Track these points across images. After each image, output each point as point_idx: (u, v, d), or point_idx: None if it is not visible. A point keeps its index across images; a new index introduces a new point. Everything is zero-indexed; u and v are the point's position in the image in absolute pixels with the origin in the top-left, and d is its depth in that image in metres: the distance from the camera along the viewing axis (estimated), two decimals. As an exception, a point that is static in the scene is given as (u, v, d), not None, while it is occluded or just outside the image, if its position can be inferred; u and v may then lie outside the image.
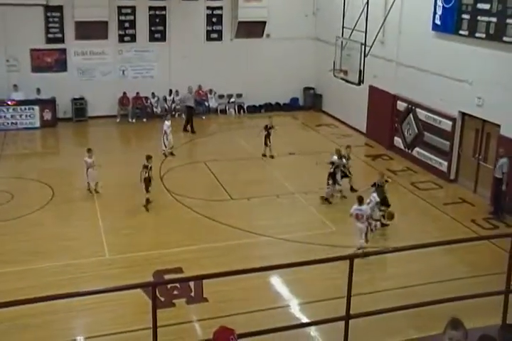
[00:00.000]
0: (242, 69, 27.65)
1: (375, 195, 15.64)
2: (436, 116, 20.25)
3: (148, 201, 17.26)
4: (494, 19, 17.03)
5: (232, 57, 27.36)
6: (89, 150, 18.55)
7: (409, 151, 21.78)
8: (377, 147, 23.35)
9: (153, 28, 26.68)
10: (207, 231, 15.96)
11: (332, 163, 18.03)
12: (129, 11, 26.23)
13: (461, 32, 18.42)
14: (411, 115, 21.62)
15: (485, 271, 13.51)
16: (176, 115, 26.97)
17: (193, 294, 12.58)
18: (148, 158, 17.58)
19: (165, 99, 27.10)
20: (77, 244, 14.99)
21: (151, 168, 17.56)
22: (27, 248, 14.63)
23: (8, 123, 24.80)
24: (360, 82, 20.12)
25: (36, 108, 25.15)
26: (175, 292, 12.56)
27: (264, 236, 15.68)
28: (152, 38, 26.78)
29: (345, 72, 21.02)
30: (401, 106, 22.21)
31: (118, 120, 26.45)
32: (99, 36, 25.75)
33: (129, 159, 21.41)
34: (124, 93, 26.41)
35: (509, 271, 7.78)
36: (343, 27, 21.46)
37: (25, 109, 25.02)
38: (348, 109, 25.93)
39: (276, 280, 13.35)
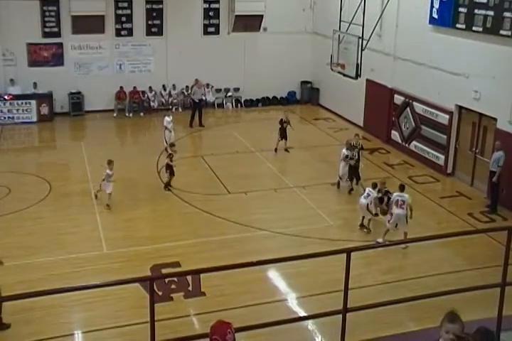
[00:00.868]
0: (239, 63, 27.62)
1: (371, 189, 15.61)
2: (433, 110, 20.25)
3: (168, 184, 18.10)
4: (491, 13, 17.01)
5: (229, 51, 27.31)
6: (110, 163, 17.13)
7: (407, 145, 21.79)
8: (375, 141, 23.35)
9: (150, 22, 26.59)
10: (204, 225, 15.97)
11: (347, 157, 18.05)
12: (125, 4, 26.14)
13: (458, 25, 18.41)
14: (408, 109, 21.62)
15: (482, 264, 13.55)
16: (173, 109, 26.97)
17: (190, 288, 12.61)
18: (172, 145, 18.73)
19: (161, 94, 27.06)
20: (74, 238, 15.00)
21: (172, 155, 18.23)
22: (24, 242, 14.63)
23: (4, 118, 24.76)
24: (358, 75, 20.12)
25: (33, 102, 25.10)
26: (172, 286, 12.59)
27: (261, 230, 15.70)
28: (149, 32, 26.70)
29: (343, 66, 21.01)
30: (398, 99, 22.20)
31: (115, 114, 26.41)
32: (95, 30, 25.67)
33: (126, 153, 21.44)
34: (121, 87, 26.35)
35: (505, 263, 7.80)
36: (340, 21, 21.44)
37: (22, 103, 24.97)
38: (346, 102, 25.92)
39: (273, 274, 13.38)
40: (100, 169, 18.34)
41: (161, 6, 26.57)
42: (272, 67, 27.59)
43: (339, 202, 17.71)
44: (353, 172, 18.01)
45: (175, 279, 12.83)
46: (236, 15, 26.83)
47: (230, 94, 28.21)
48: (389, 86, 22.66)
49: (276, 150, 21.46)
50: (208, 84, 27.07)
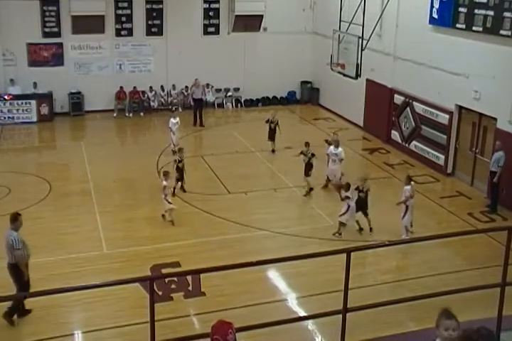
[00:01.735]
0: (239, 63, 27.63)
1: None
2: (433, 110, 20.25)
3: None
4: (491, 12, 17.01)
5: (229, 51, 27.31)
6: (166, 174, 16.42)
7: (407, 145, 21.79)
8: (375, 141, 23.36)
9: (150, 22, 26.60)
10: (204, 225, 15.97)
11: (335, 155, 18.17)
12: (125, 4, 26.14)
13: (458, 25, 18.40)
14: (408, 108, 21.62)
15: (482, 264, 13.54)
16: (173, 109, 26.99)
17: (190, 288, 12.61)
18: (180, 150, 18.44)
19: (160, 95, 27.07)
20: (74, 238, 15.00)
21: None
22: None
23: (4, 118, 24.77)
24: (358, 75, 20.12)
25: (33, 102, 25.11)
26: (172, 286, 12.59)
27: (261, 230, 15.70)
28: (149, 32, 26.70)
29: (343, 66, 21.01)
30: (398, 99, 22.20)
31: (115, 114, 26.41)
32: (95, 30, 25.67)
33: (126, 153, 21.44)
34: (121, 87, 26.36)
35: (505, 263, 7.81)
36: (340, 21, 21.44)
37: (22, 103, 24.98)
38: (345, 102, 25.93)
39: (273, 274, 13.38)
40: (100, 167, 18.37)
41: (161, 6, 26.58)
42: (272, 67, 27.59)
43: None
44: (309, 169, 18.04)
45: (175, 279, 12.84)
46: (236, 15, 26.83)
47: (230, 94, 28.22)
48: (389, 86, 22.66)
49: (273, 151, 21.45)
50: (208, 84, 27.07)
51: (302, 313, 11.84)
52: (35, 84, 25.26)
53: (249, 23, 27.18)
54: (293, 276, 13.16)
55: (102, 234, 15.29)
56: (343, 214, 15.19)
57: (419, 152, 21.03)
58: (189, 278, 12.71)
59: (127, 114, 26.46)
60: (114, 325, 11.43)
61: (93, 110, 26.30)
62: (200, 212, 16.67)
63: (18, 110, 25.00)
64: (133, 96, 26.59)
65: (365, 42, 19.63)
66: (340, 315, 7.36)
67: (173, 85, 27.01)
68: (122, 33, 26.36)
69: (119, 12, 26.10)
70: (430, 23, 19.69)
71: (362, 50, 19.65)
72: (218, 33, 27.52)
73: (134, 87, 26.54)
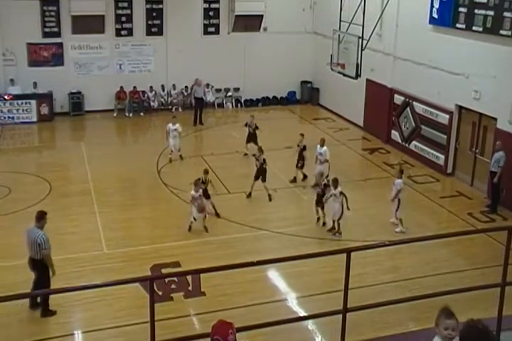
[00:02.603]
0: (239, 63, 27.62)
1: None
2: (433, 110, 20.25)
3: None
4: (491, 12, 17.00)
5: (229, 51, 27.30)
6: (197, 184, 15.74)
7: (407, 145, 21.79)
8: (375, 141, 23.37)
9: (150, 22, 26.59)
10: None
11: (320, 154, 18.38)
12: (125, 4, 26.14)
13: (458, 25, 18.40)
14: (408, 108, 21.62)
15: (482, 264, 13.55)
16: (173, 109, 27.05)
17: (190, 288, 12.61)
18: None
19: (160, 94, 27.08)
20: (74, 238, 14.99)
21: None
22: (24, 242, 14.60)
23: (4, 118, 24.77)
24: (358, 75, 20.12)
25: (33, 102, 25.11)
26: (172, 286, 12.59)
27: (261, 229, 15.70)
28: (149, 32, 26.70)
29: (343, 66, 21.00)
30: (398, 99, 22.20)
31: (115, 114, 26.40)
32: (95, 30, 25.69)
33: (126, 153, 21.44)
34: (121, 87, 26.36)
35: (506, 263, 7.80)
36: (340, 20, 21.43)
37: (22, 103, 24.98)
38: (345, 102, 25.92)
39: (274, 274, 13.37)
40: (100, 167, 18.33)
41: (161, 6, 26.57)
42: (272, 67, 27.59)
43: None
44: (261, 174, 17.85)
45: (175, 279, 12.83)
46: (236, 15, 26.83)
47: (230, 93, 28.22)
48: (389, 86, 22.66)
49: (246, 154, 21.17)
50: (208, 84, 27.06)
51: (302, 313, 11.84)
52: (35, 84, 25.26)
53: (249, 23, 27.18)
54: (293, 276, 13.16)
55: (102, 234, 15.29)
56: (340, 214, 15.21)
57: (419, 152, 21.03)
58: (189, 278, 12.71)
59: (127, 114, 26.45)
60: (114, 325, 11.43)
61: (93, 110, 26.30)
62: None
63: (18, 110, 25.00)
64: (133, 96, 26.59)
65: (365, 42, 19.62)
66: (340, 315, 7.36)
67: (173, 85, 27.01)
68: (122, 32, 26.36)
69: (119, 12, 26.10)
70: (430, 23, 19.68)
71: (362, 50, 19.64)
72: (218, 33, 27.52)
73: (134, 87, 26.54)
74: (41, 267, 11.47)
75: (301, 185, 18.54)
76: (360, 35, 19.52)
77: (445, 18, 18.85)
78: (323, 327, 11.06)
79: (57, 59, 25.86)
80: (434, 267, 13.68)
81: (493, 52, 17.33)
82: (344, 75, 21.13)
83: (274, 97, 28.82)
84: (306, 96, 29.00)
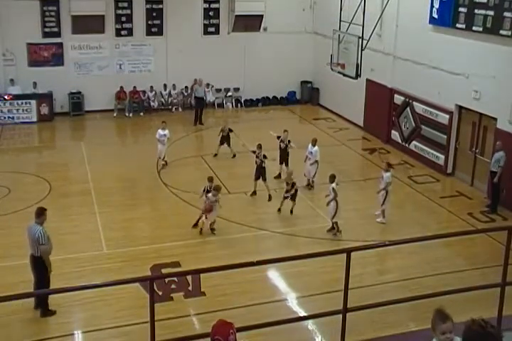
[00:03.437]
0: (239, 63, 27.62)
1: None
2: (433, 110, 20.25)
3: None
4: (491, 12, 17.00)
5: (229, 51, 27.31)
6: (217, 188, 15.49)
7: (407, 145, 21.79)
8: (375, 140, 23.36)
9: (150, 22, 26.59)
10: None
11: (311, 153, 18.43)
12: (125, 4, 26.13)
13: (458, 25, 18.40)
14: (408, 108, 21.62)
15: (482, 264, 13.55)
16: (173, 109, 27.07)
17: (190, 288, 12.61)
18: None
19: (161, 94, 27.08)
20: (74, 238, 14.97)
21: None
22: (24, 242, 14.56)
23: (4, 118, 24.77)
24: (357, 75, 20.11)
25: (33, 102, 25.11)
26: (172, 286, 12.59)
27: (261, 229, 15.70)
28: (149, 32, 26.69)
29: (343, 66, 21.00)
30: (398, 99, 22.20)
31: (115, 114, 26.41)
32: (95, 30, 25.70)
33: (126, 153, 21.44)
34: (121, 87, 26.36)
35: (505, 263, 7.81)
36: (340, 20, 21.42)
37: (22, 103, 24.98)
38: (345, 102, 25.92)
39: (273, 274, 13.37)
40: (100, 167, 18.25)
41: (161, 6, 26.57)
42: (272, 67, 27.60)
43: (339, 201, 17.66)
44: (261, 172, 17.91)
45: (175, 279, 12.83)
46: (236, 15, 26.82)
47: (230, 93, 28.22)
48: (389, 86, 22.66)
49: (215, 155, 21.13)
50: (208, 84, 27.06)
51: (302, 313, 11.84)
52: (35, 84, 25.26)
53: (249, 23, 27.18)
54: (293, 276, 13.16)
55: (102, 234, 15.28)
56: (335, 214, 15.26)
57: (419, 152, 21.03)
58: (189, 278, 12.71)
59: (127, 114, 26.45)
60: (114, 325, 11.42)
61: (93, 110, 26.29)
62: (200, 212, 16.63)
63: (18, 110, 25.00)
64: (133, 96, 26.59)
65: (365, 42, 19.61)
66: (340, 315, 7.36)
67: (174, 85, 27.01)
68: (122, 32, 26.35)
69: (119, 12, 26.10)
70: (430, 22, 19.68)
71: (362, 50, 19.63)
72: (218, 33, 27.52)
73: (134, 87, 26.54)
74: (41, 265, 11.47)
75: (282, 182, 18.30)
76: (360, 35, 19.51)
77: (445, 18, 18.85)
78: (323, 327, 11.06)
79: (57, 59, 25.86)
80: (434, 267, 13.68)
81: (493, 52, 17.33)
82: (344, 75, 21.12)
83: (274, 97, 28.82)
84: (306, 96, 29.00)
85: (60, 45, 25.77)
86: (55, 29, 25.51)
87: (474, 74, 18.06)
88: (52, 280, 11.51)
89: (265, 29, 27.69)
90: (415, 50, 20.86)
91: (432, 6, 19.40)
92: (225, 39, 27.45)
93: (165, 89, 27.01)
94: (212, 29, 27.46)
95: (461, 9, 18.19)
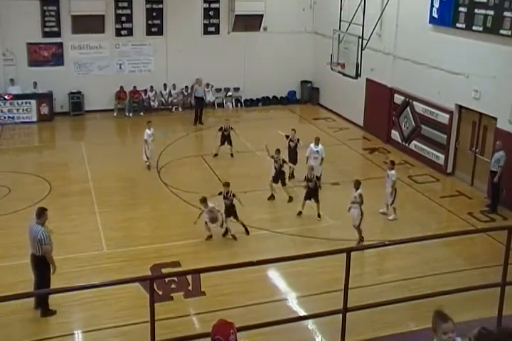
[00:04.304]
0: (239, 63, 27.62)
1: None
2: (433, 109, 20.25)
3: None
4: (491, 12, 17.00)
5: (229, 51, 27.30)
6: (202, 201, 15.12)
7: (407, 144, 21.79)
8: (375, 140, 23.36)
9: (150, 22, 26.59)
10: (204, 225, 15.94)
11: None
12: (125, 4, 26.14)
13: (458, 25, 18.39)
14: (408, 108, 21.62)
15: (482, 264, 13.54)
16: (174, 109, 27.08)
17: (190, 288, 12.61)
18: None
19: (161, 94, 27.09)
20: (74, 238, 14.97)
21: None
22: (24, 242, 14.56)
23: (5, 118, 24.77)
24: (358, 75, 20.11)
25: (33, 102, 25.11)
26: (172, 286, 12.58)
27: (261, 229, 15.69)
28: (149, 32, 26.70)
29: (343, 66, 21.00)
30: (398, 99, 22.20)
31: (115, 114, 26.41)
32: (95, 30, 25.68)
33: (126, 153, 21.44)
34: (121, 87, 26.36)
35: (505, 263, 7.81)
36: (340, 20, 21.43)
37: (22, 103, 24.98)
38: (346, 102, 25.92)
39: (273, 274, 13.37)
40: (100, 167, 18.24)
41: (161, 6, 26.57)
42: (272, 67, 27.59)
43: (339, 201, 17.67)
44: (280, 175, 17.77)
45: (175, 279, 12.83)
46: (236, 15, 26.82)
47: (230, 93, 28.22)
48: (389, 85, 22.66)
49: (216, 155, 21.09)
50: (208, 84, 27.06)
51: (302, 313, 11.84)
52: (35, 84, 25.26)
53: (249, 22, 27.17)
54: (293, 276, 13.16)
55: (101, 233, 15.28)
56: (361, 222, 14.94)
57: (419, 152, 21.03)
58: (189, 277, 12.71)
59: (127, 114, 26.45)
60: (113, 325, 11.42)
61: (93, 110, 26.30)
62: (200, 212, 16.65)
63: (18, 110, 25.00)
64: (133, 96, 26.59)
65: (365, 41, 19.61)
66: (340, 315, 7.36)
67: (174, 85, 27.02)
68: (122, 32, 26.36)
69: (119, 12, 26.10)
70: (430, 22, 19.68)
71: (362, 49, 19.63)
72: (218, 33, 27.51)
73: (134, 87, 26.54)
74: (42, 265, 11.49)
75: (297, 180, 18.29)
76: (360, 35, 19.51)
77: (445, 17, 18.85)
78: (323, 326, 11.06)
79: (57, 59, 25.86)
80: (433, 267, 13.67)
81: (493, 51, 17.32)
82: (344, 75, 21.12)
83: (274, 97, 28.82)
84: (306, 95, 29.00)
85: (60, 44, 25.78)
86: (55, 29, 25.51)
87: (474, 73, 18.06)
88: (52, 280, 11.52)
89: (265, 29, 27.68)
90: (415, 49, 20.85)
91: (432, 6, 19.39)
92: (225, 39, 27.45)
93: (165, 89, 27.02)
94: (212, 29, 27.46)
95: (461, 9, 18.19)
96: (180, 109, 27.20)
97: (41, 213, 11.62)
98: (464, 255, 14.49)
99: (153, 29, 26.71)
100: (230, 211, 15.24)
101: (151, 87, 26.73)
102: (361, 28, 19.37)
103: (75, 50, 25.96)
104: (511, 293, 7.90)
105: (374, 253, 13.92)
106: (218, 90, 27.97)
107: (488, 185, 17.63)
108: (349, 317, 7.41)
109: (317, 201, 16.31)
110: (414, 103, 21.22)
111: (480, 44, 17.70)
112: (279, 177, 17.58)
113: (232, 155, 21.11)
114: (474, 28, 17.71)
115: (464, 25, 18.15)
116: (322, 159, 18.32)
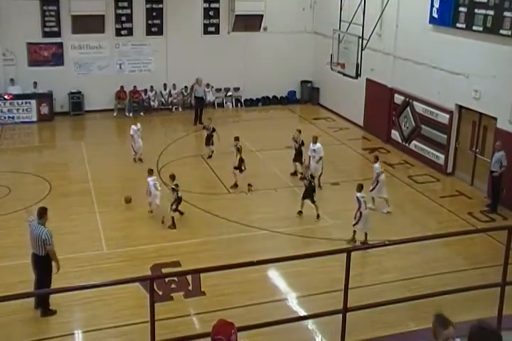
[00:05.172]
0: (239, 63, 27.62)
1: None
2: (433, 109, 20.25)
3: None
4: (491, 12, 17.00)
5: (229, 51, 27.30)
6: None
7: (407, 144, 21.79)
8: (375, 140, 23.36)
9: (150, 22, 26.60)
10: (204, 224, 15.97)
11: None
12: (125, 4, 26.14)
13: (458, 25, 18.40)
14: (408, 108, 21.62)
15: (482, 264, 13.55)
16: (174, 109, 27.08)
17: (190, 288, 12.60)
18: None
19: (161, 94, 27.08)
20: (74, 237, 14.97)
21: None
22: (24, 242, 14.54)
23: (5, 118, 24.77)
24: (358, 75, 20.12)
25: (33, 102, 25.11)
26: (172, 286, 12.57)
27: (261, 229, 15.69)
28: (149, 32, 26.70)
29: (343, 66, 21.01)
30: (398, 99, 22.20)
31: (115, 114, 26.41)
32: (95, 30, 25.68)
33: (126, 153, 21.40)
34: (121, 87, 26.36)
35: (505, 263, 7.81)
36: (340, 20, 21.43)
37: (22, 103, 24.99)
38: (346, 102, 25.92)
39: (273, 274, 13.37)
40: (100, 166, 18.20)
41: (161, 6, 26.57)
42: (272, 67, 27.59)
43: (339, 201, 17.67)
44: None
45: (175, 279, 12.82)
46: (236, 15, 26.81)
47: (230, 93, 28.22)
48: (389, 85, 22.66)
49: (210, 156, 21.06)
50: (208, 84, 27.05)
51: (302, 313, 11.84)
52: (35, 84, 25.26)
53: (249, 22, 27.16)
54: (293, 276, 13.16)
55: (101, 233, 15.28)
56: (357, 222, 14.92)
57: (419, 152, 21.03)
58: (189, 277, 12.70)
59: (127, 114, 26.44)
60: (113, 325, 11.43)
61: (93, 110, 26.30)
62: (200, 212, 16.67)
63: (18, 110, 25.00)
64: (133, 96, 26.59)
65: (365, 41, 19.62)
66: (340, 315, 7.36)
67: (174, 85, 27.01)
68: (122, 32, 26.36)
69: (119, 12, 26.10)
70: (430, 22, 19.68)
71: (362, 49, 19.64)
72: (218, 33, 27.51)
73: (134, 87, 26.54)
74: (43, 265, 11.49)
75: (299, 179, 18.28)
76: (360, 35, 19.52)
77: (445, 17, 18.85)
78: (323, 326, 11.06)
79: (57, 59, 25.86)
80: (433, 267, 13.68)
81: (493, 51, 17.33)
82: (344, 75, 21.13)
83: (274, 97, 28.82)
84: (306, 95, 28.99)
85: (60, 44, 25.77)
86: (55, 29, 25.52)
87: (474, 73, 18.06)
88: (53, 279, 11.52)
89: (265, 29, 27.67)
90: (415, 49, 20.85)
91: (432, 6, 19.40)
92: (225, 39, 27.45)
93: (165, 89, 27.02)
94: (212, 29, 27.46)
95: (461, 9, 18.19)
96: (180, 109, 27.20)
97: (43, 213, 11.62)
98: (463, 255, 14.50)
99: (153, 29, 26.72)
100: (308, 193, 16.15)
101: (151, 86, 26.73)
102: (361, 28, 19.38)
103: (75, 50, 25.96)
104: (511, 293, 7.89)
105: (374, 253, 13.91)
106: (218, 90, 27.97)
107: (488, 184, 17.63)
108: (349, 317, 7.41)
109: (313, 202, 16.25)
110: (414, 103, 21.22)
111: (480, 44, 17.70)
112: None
113: (210, 156, 21.00)
114: (474, 28, 17.72)
115: (464, 25, 18.15)
116: (320, 158, 18.27)
